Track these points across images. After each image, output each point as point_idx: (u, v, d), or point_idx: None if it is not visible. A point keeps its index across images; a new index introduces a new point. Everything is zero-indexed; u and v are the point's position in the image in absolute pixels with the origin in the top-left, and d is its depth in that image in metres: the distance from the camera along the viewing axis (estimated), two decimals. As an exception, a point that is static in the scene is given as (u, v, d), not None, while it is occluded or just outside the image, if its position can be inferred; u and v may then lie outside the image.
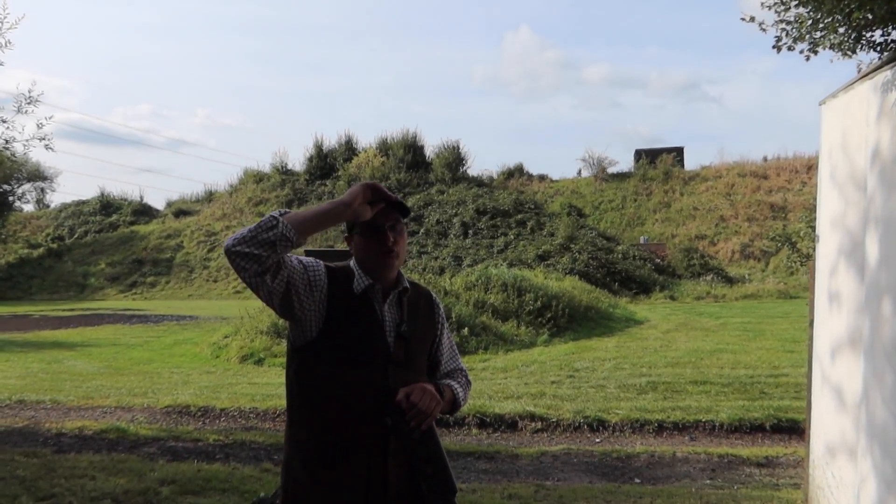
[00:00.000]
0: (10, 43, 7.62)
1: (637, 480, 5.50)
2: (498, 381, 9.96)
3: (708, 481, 5.44)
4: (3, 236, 39.99)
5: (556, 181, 40.82)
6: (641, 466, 5.86)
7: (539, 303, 14.71)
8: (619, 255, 28.78)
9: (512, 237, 31.99)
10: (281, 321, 13.16)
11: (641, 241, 31.64)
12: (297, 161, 46.64)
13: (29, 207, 47.61)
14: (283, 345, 12.47)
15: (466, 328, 12.64)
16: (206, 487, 5.02)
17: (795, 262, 21.46)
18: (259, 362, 11.83)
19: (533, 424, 7.42)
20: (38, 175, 43.41)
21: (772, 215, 32.23)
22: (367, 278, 2.11)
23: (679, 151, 39.25)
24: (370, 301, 2.11)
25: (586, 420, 7.35)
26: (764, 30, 3.43)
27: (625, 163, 44.81)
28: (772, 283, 25.05)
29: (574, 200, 37.24)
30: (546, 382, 9.66)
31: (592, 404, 8.00)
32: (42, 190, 45.88)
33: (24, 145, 7.28)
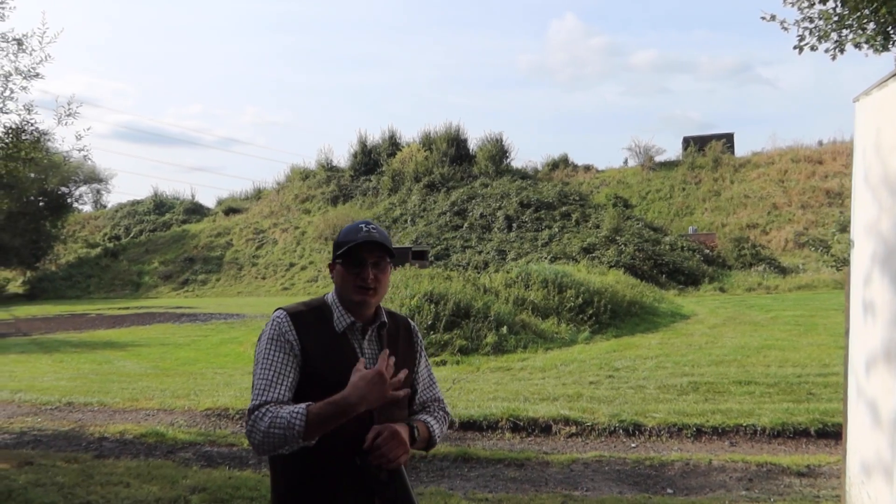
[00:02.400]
0: (49, 57, 7.84)
1: (670, 491, 5.34)
2: (535, 381, 9.84)
3: (744, 492, 5.25)
4: (63, 237, 41.55)
5: (602, 171, 40.16)
6: (675, 475, 5.69)
7: (580, 299, 14.50)
8: (667, 247, 28.20)
9: (556, 230, 31.67)
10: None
11: (690, 231, 30.90)
12: (342, 157, 47.15)
13: (87, 208, 49.33)
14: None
15: (505, 326, 12.54)
16: (235, 496, 5.08)
17: (832, 267, 20.69)
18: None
19: (567, 429, 7.30)
20: (94, 177, 44.96)
21: (827, 202, 31.06)
22: (347, 315, 2.08)
23: (729, 138, 38.13)
24: (349, 340, 2.08)
25: (622, 424, 7.18)
26: (786, 28, 3.25)
27: (672, 151, 43.87)
28: (828, 273, 24.14)
29: (620, 191, 36.62)
30: (584, 383, 9.50)
31: (630, 407, 7.82)
32: (98, 191, 47.47)
33: (65, 155, 7.45)
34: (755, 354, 10.88)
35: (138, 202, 49.67)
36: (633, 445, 6.79)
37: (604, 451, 6.41)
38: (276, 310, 2.11)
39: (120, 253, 41.48)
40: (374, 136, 45.90)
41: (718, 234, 30.35)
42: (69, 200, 42.54)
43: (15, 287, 39.44)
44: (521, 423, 7.40)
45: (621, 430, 7.11)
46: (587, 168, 40.76)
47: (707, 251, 28.58)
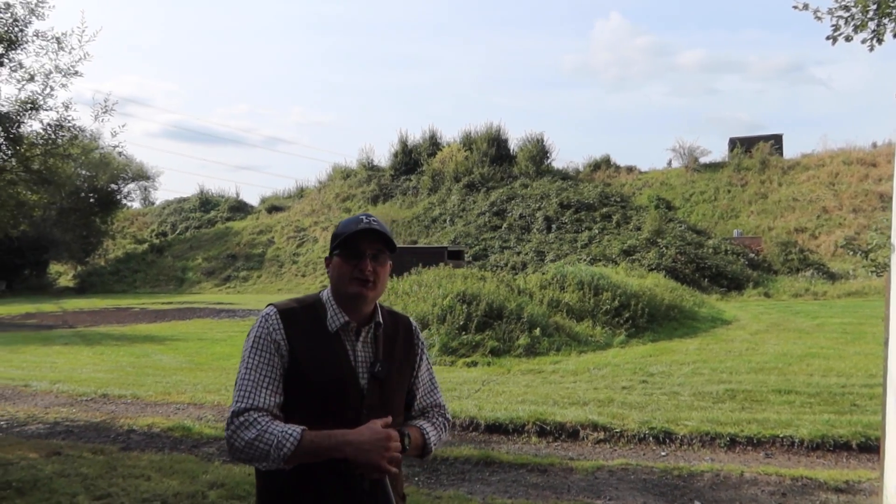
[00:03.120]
0: (88, 55, 7.98)
1: (697, 503, 5.14)
2: (567, 384, 9.65)
3: (776, 507, 5.01)
4: (112, 233, 42.73)
5: (645, 172, 39.46)
6: (704, 487, 5.48)
7: (617, 302, 14.22)
8: (710, 250, 27.57)
9: (596, 231, 31.25)
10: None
11: (735, 234, 30.12)
12: (383, 157, 47.35)
13: (136, 205, 50.61)
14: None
15: (538, 328, 12.36)
16: (252, 493, 5.04)
17: (872, 272, 19.84)
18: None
19: (595, 434, 7.12)
20: (142, 174, 46.12)
21: (881, 206, 29.89)
22: (342, 314, 1.98)
23: (777, 139, 37.06)
24: (342, 341, 1.97)
25: (652, 432, 6.97)
26: (819, 18, 3.05)
27: (718, 152, 42.73)
28: (881, 280, 23.22)
29: (663, 192, 35.93)
30: (616, 388, 9.27)
31: (661, 414, 7.59)
32: (146, 188, 48.68)
33: (100, 152, 7.58)
34: (798, 363, 10.48)
35: (185, 200, 50.77)
36: (662, 454, 6.58)
37: (631, 459, 6.22)
38: (266, 305, 2.03)
39: (165, 249, 42.44)
40: (415, 135, 46.08)
41: (764, 238, 29.51)
42: (118, 197, 43.73)
43: (66, 281, 40.72)
44: (548, 428, 7.24)
45: (651, 438, 6.90)
46: (629, 169, 40.11)
47: (752, 255, 27.83)
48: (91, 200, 40.54)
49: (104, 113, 8.00)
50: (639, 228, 30.33)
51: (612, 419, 7.36)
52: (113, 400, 8.94)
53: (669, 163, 39.74)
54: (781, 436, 6.68)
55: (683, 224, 31.17)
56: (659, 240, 27.78)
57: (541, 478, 5.72)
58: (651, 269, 23.85)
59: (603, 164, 40.45)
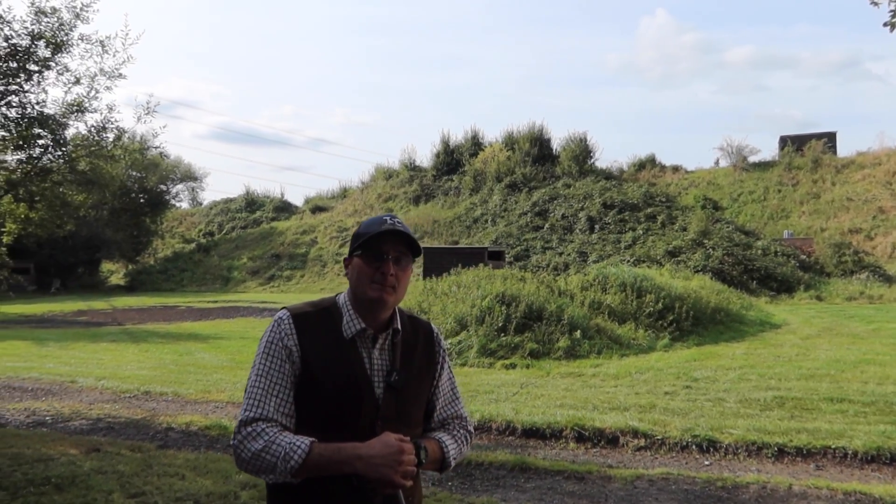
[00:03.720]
0: (132, 58, 8.12)
1: (742, 516, 4.92)
2: (607, 389, 9.43)
3: (827, 523, 4.76)
4: (161, 232, 43.83)
5: (691, 172, 38.61)
6: (750, 499, 5.24)
7: (660, 304, 13.88)
8: (759, 251, 26.80)
9: (640, 232, 30.70)
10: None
11: (785, 235, 29.20)
12: (425, 157, 47.47)
13: (184, 205, 51.77)
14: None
15: (579, 331, 12.13)
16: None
17: None
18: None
19: (636, 441, 6.91)
20: (189, 175, 47.15)
21: (942, 206, 28.69)
22: (358, 320, 1.88)
23: (830, 137, 35.83)
24: (357, 348, 1.88)
25: (695, 440, 6.73)
26: (875, 3, 2.84)
27: (768, 151, 41.69)
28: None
29: (710, 192, 35.10)
30: (659, 393, 9.02)
31: (706, 421, 7.33)
32: (193, 189, 49.75)
33: (141, 154, 7.69)
34: (851, 369, 10.05)
35: (231, 200, 51.71)
36: (706, 463, 6.34)
37: (672, 468, 6.00)
38: (280, 309, 1.95)
39: (212, 248, 43.28)
40: (457, 135, 46.04)
41: (816, 239, 28.54)
42: (167, 198, 44.83)
43: (117, 279, 41.89)
44: (587, 433, 7.06)
45: (694, 446, 6.66)
46: (675, 169, 39.31)
47: (803, 257, 26.94)
48: (141, 201, 41.67)
49: (146, 114, 8.14)
50: (684, 229, 29.68)
51: (653, 426, 7.14)
52: (154, 397, 9.08)
53: (717, 162, 38.85)
54: (833, 447, 6.37)
55: (731, 224, 30.39)
56: (705, 241, 27.12)
57: (578, 486, 5.56)
58: (697, 271, 23.30)
59: (648, 164, 39.74)
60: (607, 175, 38.57)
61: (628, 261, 26.26)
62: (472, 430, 2.15)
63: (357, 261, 1.90)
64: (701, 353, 12.14)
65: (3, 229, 8.14)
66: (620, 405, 8.18)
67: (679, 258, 26.07)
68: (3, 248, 8.00)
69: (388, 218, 1.92)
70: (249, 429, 1.74)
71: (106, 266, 43.34)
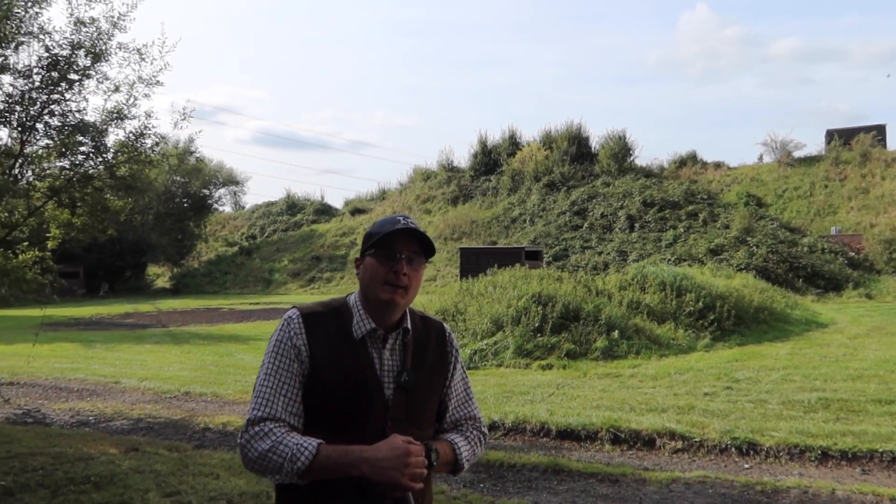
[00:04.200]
0: (169, 65, 8.27)
1: (782, 521, 4.76)
2: (645, 390, 9.27)
3: (873, 530, 4.58)
4: (205, 236, 44.75)
5: (734, 168, 37.75)
6: (790, 504, 5.08)
7: (701, 303, 13.59)
8: (805, 249, 26.07)
9: (682, 230, 30.15)
10: (428, 320, 13.32)
11: (832, 231, 28.32)
12: (463, 158, 47.41)
13: (227, 209, 52.75)
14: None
15: (617, 331, 11.95)
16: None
17: None
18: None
19: (673, 443, 6.76)
20: (231, 180, 48.02)
21: None
22: (369, 320, 1.86)
23: (880, 130, 34.61)
24: (367, 349, 1.86)
25: (735, 442, 6.55)
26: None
27: (814, 145, 40.47)
28: None
29: (753, 189, 34.27)
30: (698, 394, 8.82)
31: (746, 423, 7.14)
32: (235, 193, 50.65)
33: (179, 158, 7.84)
34: (902, 370, 9.68)
35: (272, 203, 52.47)
36: (745, 466, 6.17)
37: (710, 472, 5.85)
38: (290, 308, 1.93)
39: (254, 251, 43.99)
40: (495, 135, 45.87)
41: (866, 236, 27.60)
42: (210, 202, 45.73)
43: (163, 282, 42.91)
44: (622, 435, 6.94)
45: (734, 449, 6.49)
46: (717, 165, 38.48)
47: (852, 254, 26.10)
48: (185, 205, 42.62)
49: (182, 120, 8.29)
50: (727, 227, 29.03)
51: (691, 427, 6.98)
52: (194, 398, 9.24)
53: (760, 158, 37.90)
54: (881, 451, 6.13)
55: (776, 221, 29.62)
56: (749, 238, 26.48)
57: (611, 488, 5.46)
58: (740, 270, 22.76)
59: (689, 161, 38.99)
60: (647, 173, 37.97)
61: (669, 259, 25.82)
62: (486, 432, 2.11)
63: (369, 260, 1.87)
64: (743, 353, 11.85)
65: (48, 235, 8.37)
66: (658, 406, 8.02)
67: (721, 256, 25.52)
68: (48, 253, 8.22)
69: (401, 218, 1.90)
70: (257, 428, 1.73)
71: (152, 269, 44.42)
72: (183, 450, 6.41)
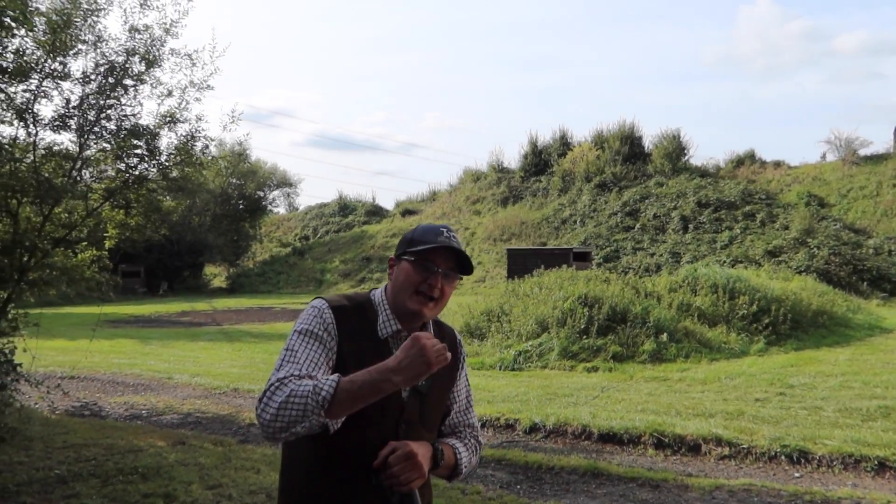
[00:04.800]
0: (218, 70, 8.47)
1: (830, 533, 4.58)
2: (693, 394, 9.05)
3: (929, 545, 4.36)
4: (259, 237, 45.77)
5: (795, 168, 36.50)
6: (841, 516, 4.88)
7: (755, 306, 13.18)
8: (871, 250, 25.05)
9: (738, 231, 29.36)
10: (473, 321, 13.31)
11: (900, 233, 27.10)
12: (513, 159, 47.24)
13: (281, 210, 53.83)
14: (475, 345, 12.58)
15: (666, 334, 11.70)
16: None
17: None
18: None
19: (719, 450, 6.58)
20: (285, 181, 48.98)
21: None
22: (395, 322, 1.87)
23: (954, 126, 32.96)
24: (390, 349, 1.85)
25: (785, 450, 6.33)
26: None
27: (881, 143, 38.74)
28: None
29: (815, 188, 33.07)
30: (749, 400, 8.57)
31: (799, 430, 6.89)
32: (289, 195, 51.63)
33: (231, 161, 8.02)
34: (970, 378, 9.19)
35: (325, 205, 53.28)
36: (796, 475, 5.96)
37: (757, 479, 5.67)
38: (315, 298, 1.92)
39: (306, 252, 44.75)
40: (545, 136, 45.57)
41: (937, 237, 26.33)
42: (264, 204, 46.74)
43: (219, 282, 44.05)
44: (667, 440, 6.79)
45: (783, 457, 6.27)
46: (777, 164, 37.27)
47: (922, 256, 24.92)
48: (241, 207, 43.66)
49: (231, 122, 8.48)
50: (786, 228, 28.12)
51: (739, 434, 6.78)
52: (242, 394, 9.45)
53: (823, 156, 36.56)
54: (942, 462, 5.84)
55: (839, 222, 28.52)
56: (809, 240, 25.59)
57: (652, 494, 5.34)
58: (800, 272, 22.03)
59: (747, 160, 37.89)
60: (702, 173, 37.07)
61: (724, 261, 25.15)
62: (482, 442, 2.13)
63: (406, 265, 1.87)
64: (799, 358, 11.45)
65: (105, 235, 8.68)
66: (706, 412, 7.82)
67: (780, 258, 24.74)
68: (105, 252, 8.52)
69: (444, 230, 1.89)
70: (273, 386, 1.65)
71: (209, 269, 45.63)
72: (227, 444, 6.56)
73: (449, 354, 1.68)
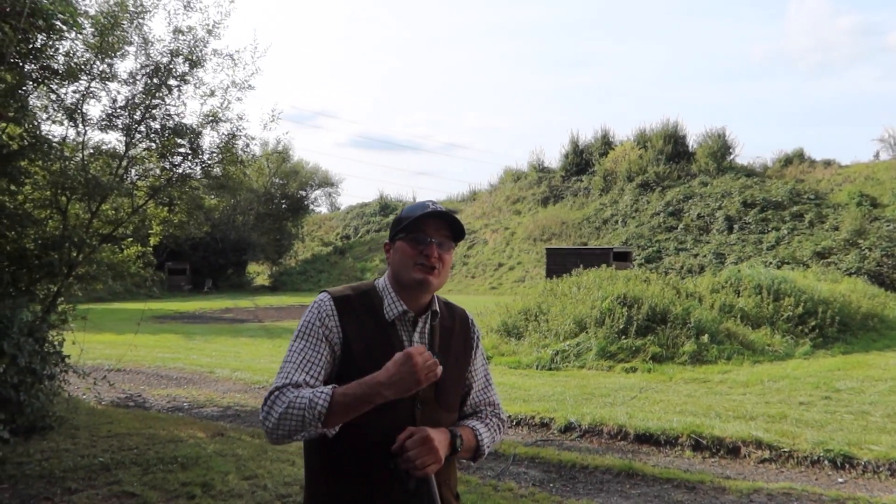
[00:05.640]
0: (259, 70, 8.63)
1: (873, 540, 4.43)
2: (734, 396, 8.86)
3: (979, 555, 4.18)
4: (302, 236, 46.41)
5: (846, 167, 35.39)
6: (885, 522, 4.72)
7: (801, 308, 12.83)
8: (925, 252, 24.11)
9: (785, 232, 28.64)
10: (511, 320, 13.26)
11: (959, 234, 26.07)
12: (554, 158, 46.94)
13: (323, 210, 54.49)
14: (512, 344, 12.54)
15: (707, 335, 11.47)
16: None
17: None
18: (487, 360, 11.94)
19: (759, 453, 6.42)
20: (327, 181, 49.56)
21: None
22: (400, 303, 1.89)
23: None
24: (398, 331, 1.89)
25: (828, 454, 6.15)
26: None
27: (940, 140, 37.21)
28: None
29: (867, 188, 32.01)
30: (793, 403, 8.35)
31: (843, 435, 6.69)
32: (330, 194, 52.25)
33: (273, 159, 8.14)
34: None
35: (366, 204, 53.76)
36: (839, 481, 5.78)
37: (797, 484, 5.52)
38: (320, 292, 1.97)
39: (347, 251, 45.25)
40: (587, 135, 45.15)
41: None
42: (306, 203, 47.39)
43: (262, 280, 44.83)
44: (705, 442, 6.66)
45: (827, 462, 6.09)
46: (827, 163, 36.21)
47: (981, 258, 23.94)
48: (283, 206, 44.36)
49: (271, 122, 8.63)
50: (836, 228, 27.32)
51: (780, 437, 6.61)
52: (281, 389, 9.58)
53: (877, 155, 35.54)
54: None
55: (892, 223, 27.54)
56: (860, 241, 24.83)
57: (687, 495, 5.25)
58: (850, 274, 21.40)
59: (795, 159, 36.90)
60: (748, 172, 36.24)
61: (771, 262, 24.59)
62: (505, 418, 2.12)
63: (400, 244, 1.90)
64: (847, 361, 11.10)
65: (150, 232, 8.92)
66: (746, 414, 7.65)
67: (829, 260, 24.09)
68: (150, 248, 8.75)
69: (430, 203, 1.92)
70: (274, 395, 1.73)
71: (252, 268, 46.46)
72: (263, 436, 6.66)
73: (440, 370, 1.71)
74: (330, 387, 1.69)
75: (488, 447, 1.99)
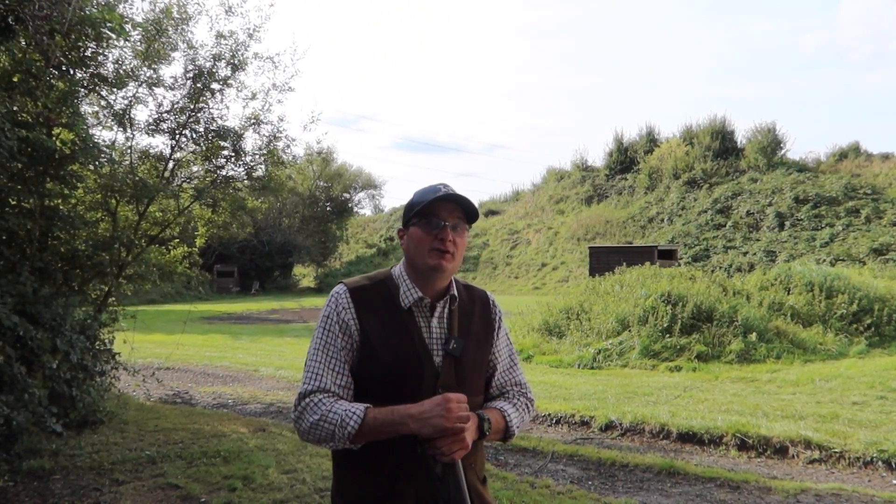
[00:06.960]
0: (299, 72, 8.78)
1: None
2: (783, 396, 8.62)
3: None
4: (346, 238, 46.94)
5: (905, 160, 34.11)
6: (941, 525, 4.52)
7: (855, 306, 12.40)
8: None
9: (840, 228, 27.73)
10: (552, 319, 13.15)
11: None
12: (597, 157, 46.50)
13: (366, 212, 54.98)
14: (553, 343, 12.44)
15: (755, 333, 11.17)
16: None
17: None
18: (527, 359, 11.90)
19: (808, 453, 6.23)
20: (370, 184, 50.01)
21: None
22: (415, 289, 1.88)
23: None
24: (415, 318, 1.89)
25: (882, 455, 5.92)
26: None
27: None
28: None
29: (928, 182, 30.80)
30: (845, 403, 8.07)
31: (898, 435, 6.44)
32: (374, 196, 52.67)
33: (316, 161, 8.25)
34: None
35: (409, 207, 54.02)
36: (893, 482, 5.56)
37: (848, 485, 5.33)
38: (337, 283, 1.97)
39: (390, 252, 45.54)
40: (631, 133, 44.54)
41: None
42: (350, 205, 47.91)
43: (307, 281, 45.48)
44: (751, 441, 6.49)
45: (880, 462, 5.87)
46: (885, 157, 34.92)
47: None
48: (328, 209, 44.94)
49: (311, 123, 8.77)
50: (894, 224, 26.32)
51: (831, 437, 6.40)
52: (323, 387, 9.71)
53: (937, 147, 33.96)
54: None
55: (955, 218, 26.48)
56: (920, 236, 23.86)
57: (731, 495, 5.12)
58: (908, 271, 20.53)
59: (850, 153, 35.71)
60: (800, 167, 35.21)
61: (824, 259, 23.84)
62: (532, 398, 2.10)
63: (414, 230, 1.89)
64: (904, 361, 10.67)
65: (195, 233, 9.14)
66: (795, 414, 7.43)
67: (887, 256, 23.23)
68: (196, 249, 8.97)
69: (441, 186, 1.90)
70: (307, 401, 1.79)
71: (298, 270, 47.17)
72: (305, 433, 6.76)
73: (470, 424, 1.73)
74: (362, 408, 1.73)
75: (518, 427, 1.98)
